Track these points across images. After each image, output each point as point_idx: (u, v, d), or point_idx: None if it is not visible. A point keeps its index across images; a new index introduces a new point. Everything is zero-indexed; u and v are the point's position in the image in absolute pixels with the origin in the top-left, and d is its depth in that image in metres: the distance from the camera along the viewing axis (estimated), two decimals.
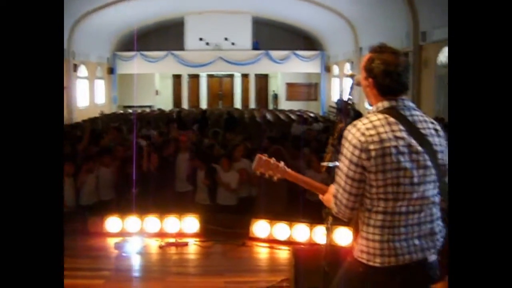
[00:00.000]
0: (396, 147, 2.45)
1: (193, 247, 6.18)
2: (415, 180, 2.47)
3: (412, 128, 2.51)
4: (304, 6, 24.01)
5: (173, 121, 14.83)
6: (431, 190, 2.54)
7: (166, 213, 6.55)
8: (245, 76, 32.23)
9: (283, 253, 5.91)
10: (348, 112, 3.29)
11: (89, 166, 7.58)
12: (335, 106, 25.67)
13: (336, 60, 27.36)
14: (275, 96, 32.15)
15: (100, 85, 27.37)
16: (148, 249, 6.06)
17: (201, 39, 28.99)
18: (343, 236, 5.59)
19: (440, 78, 15.89)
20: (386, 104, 2.56)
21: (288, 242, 6.07)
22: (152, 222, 6.50)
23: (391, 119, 2.50)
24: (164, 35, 29.14)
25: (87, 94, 25.07)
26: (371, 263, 2.54)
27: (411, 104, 2.59)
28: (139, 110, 24.98)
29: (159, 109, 25.41)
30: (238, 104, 31.96)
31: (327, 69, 28.90)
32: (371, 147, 2.44)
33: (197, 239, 6.34)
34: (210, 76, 32.30)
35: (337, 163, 2.65)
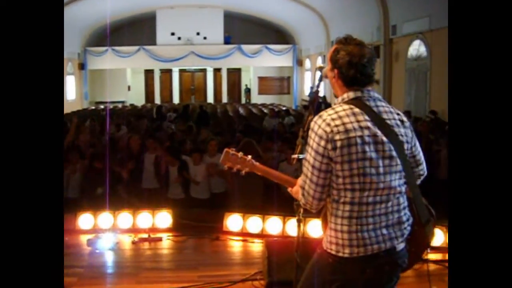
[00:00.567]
0: (361, 137, 2.48)
1: (166, 242, 6.15)
2: (381, 170, 2.51)
3: (377, 119, 2.54)
4: (276, 0, 24.03)
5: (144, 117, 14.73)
6: (397, 180, 2.57)
7: (139, 209, 6.52)
8: (217, 71, 32.17)
9: (257, 246, 5.92)
10: (318, 104, 3.31)
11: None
12: (307, 100, 25.77)
13: (308, 53, 27.46)
14: (248, 90, 32.16)
15: (71, 81, 26.97)
16: (121, 245, 6.02)
17: (173, 33, 28.89)
18: (316, 228, 5.64)
19: (411, 71, 16.09)
20: (351, 95, 2.59)
21: (261, 235, 6.09)
22: (124, 218, 6.46)
23: (356, 110, 2.53)
24: (136, 30, 28.83)
25: None
26: (340, 254, 2.57)
27: (377, 95, 2.62)
28: (111, 106, 24.73)
29: (131, 105, 25.20)
30: (210, 98, 31.88)
31: (299, 62, 29.02)
32: (337, 137, 2.46)
33: (171, 234, 6.31)
34: (182, 71, 32.16)
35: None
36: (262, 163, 3.21)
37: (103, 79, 29.41)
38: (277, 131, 10.89)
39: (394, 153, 2.54)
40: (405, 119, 2.66)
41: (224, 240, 6.18)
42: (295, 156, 3.23)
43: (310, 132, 2.57)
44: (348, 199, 2.53)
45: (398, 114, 2.64)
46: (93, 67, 28.19)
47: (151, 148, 8.26)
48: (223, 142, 8.54)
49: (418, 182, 2.81)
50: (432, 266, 4.78)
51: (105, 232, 6.10)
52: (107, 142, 8.32)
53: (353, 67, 2.56)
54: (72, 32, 25.08)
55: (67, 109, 22.33)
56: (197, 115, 17.05)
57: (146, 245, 6.08)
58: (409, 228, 2.65)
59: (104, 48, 27.33)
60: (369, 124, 2.51)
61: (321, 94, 3.46)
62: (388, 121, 2.57)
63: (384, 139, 2.52)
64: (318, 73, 2.99)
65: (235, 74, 32.62)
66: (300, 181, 2.67)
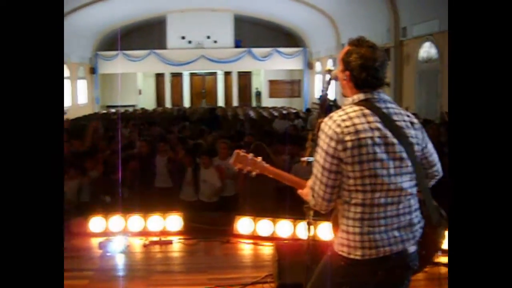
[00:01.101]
0: (372, 138, 2.47)
1: (177, 245, 6.17)
2: (392, 171, 2.50)
3: (387, 120, 2.53)
4: (286, 3, 24.06)
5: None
6: (408, 182, 2.56)
7: (150, 212, 6.54)
8: (227, 74, 32.18)
9: (267, 249, 5.92)
10: (329, 107, 3.30)
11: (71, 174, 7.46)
12: (318, 103, 25.71)
13: (319, 56, 27.40)
14: (258, 94, 32.14)
15: (82, 85, 27.16)
16: (132, 248, 6.05)
17: (183, 37, 28.98)
18: (326, 231, 5.62)
19: (421, 73, 16.02)
20: (361, 96, 2.58)
21: (272, 238, 6.09)
22: (136, 221, 6.49)
23: (367, 111, 2.52)
24: (146, 34, 29.04)
25: (69, 95, 24.87)
26: (351, 256, 2.55)
27: (387, 97, 2.62)
28: (122, 110, 24.82)
29: (142, 109, 25.29)
30: (221, 102, 31.88)
31: (310, 65, 28.95)
32: (347, 138, 2.46)
33: (181, 237, 6.33)
34: (192, 75, 32.19)
35: None
36: (272, 165, 3.21)
37: (114, 83, 29.61)
38: (288, 134, 10.86)
39: (404, 155, 2.53)
40: (415, 120, 2.64)
41: (234, 243, 6.19)
42: (304, 159, 3.23)
43: (320, 133, 2.57)
44: (360, 201, 2.52)
45: (408, 116, 2.63)
46: (104, 71, 28.34)
47: (162, 151, 8.29)
48: (234, 145, 8.54)
49: (433, 183, 2.79)
50: (443, 269, 4.76)
51: (116, 235, 6.12)
52: (120, 150, 8.28)
53: (365, 70, 2.55)
54: (83, 37, 25.29)
55: (78, 113, 22.53)
56: (208, 119, 17.10)
57: (157, 248, 6.10)
58: (420, 230, 2.64)
59: (115, 52, 27.47)
60: (379, 125, 2.50)
61: (331, 97, 3.45)
62: (398, 123, 2.56)
63: (395, 140, 2.51)
64: (328, 76, 2.99)
65: (245, 77, 32.61)
66: (310, 182, 2.67)
